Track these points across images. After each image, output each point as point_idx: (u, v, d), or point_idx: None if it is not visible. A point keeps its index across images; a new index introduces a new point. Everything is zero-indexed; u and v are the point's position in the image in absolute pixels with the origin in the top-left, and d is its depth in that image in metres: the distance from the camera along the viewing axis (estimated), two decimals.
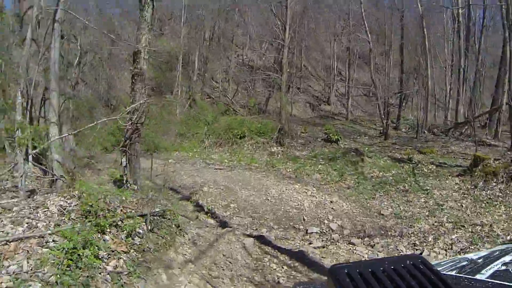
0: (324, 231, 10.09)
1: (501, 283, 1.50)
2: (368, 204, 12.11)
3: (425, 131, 22.91)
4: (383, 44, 31.13)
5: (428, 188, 13.02)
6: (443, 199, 12.06)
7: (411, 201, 12.12)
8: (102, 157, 17.76)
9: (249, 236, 8.99)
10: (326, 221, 10.58)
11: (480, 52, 26.48)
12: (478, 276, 1.64)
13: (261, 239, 8.91)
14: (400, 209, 11.51)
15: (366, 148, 18.90)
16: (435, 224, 10.33)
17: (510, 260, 1.82)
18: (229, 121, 21.31)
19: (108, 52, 27.73)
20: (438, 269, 1.11)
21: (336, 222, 10.47)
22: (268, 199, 12.10)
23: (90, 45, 25.36)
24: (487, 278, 1.59)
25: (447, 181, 13.43)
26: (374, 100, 28.34)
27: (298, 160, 17.57)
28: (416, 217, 10.72)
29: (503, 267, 1.74)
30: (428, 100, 24.36)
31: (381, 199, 12.54)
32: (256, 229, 10.05)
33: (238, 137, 19.99)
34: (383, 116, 23.01)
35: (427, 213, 11.04)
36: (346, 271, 1.03)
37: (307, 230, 10.08)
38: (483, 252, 2.32)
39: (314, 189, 13.28)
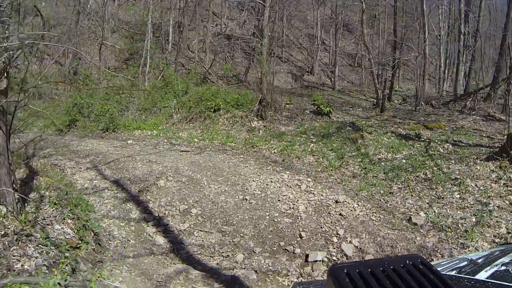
0: (334, 257, 6.12)
1: (501, 283, 1.44)
2: (388, 204, 8.14)
3: (423, 103, 19.07)
4: (371, 9, 27.24)
5: (457, 177, 9.16)
6: (483, 194, 8.25)
7: (442, 198, 8.26)
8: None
9: (215, 280, 4.94)
10: (335, 239, 6.55)
11: (481, 17, 22.43)
12: (478, 276, 1.57)
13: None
14: (434, 212, 7.61)
15: (363, 122, 14.95)
16: (495, 238, 6.48)
17: (510, 260, 1.76)
18: (201, 91, 17.01)
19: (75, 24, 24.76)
20: (438, 269, 1.06)
21: (350, 240, 6.46)
22: (246, 199, 8.07)
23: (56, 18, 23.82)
24: (487, 278, 1.53)
25: (477, 167, 9.63)
26: (366, 68, 25.19)
27: (284, 137, 13.61)
28: (464, 227, 6.84)
29: (503, 267, 1.67)
30: (425, 68, 20.44)
31: (402, 194, 8.59)
32: (228, 255, 6.08)
33: (212, 110, 15.81)
34: (378, 86, 18.99)
35: (474, 219, 7.19)
36: (345, 271, 0.97)
37: (307, 256, 6.15)
38: (483, 252, 2.21)
39: (309, 180, 9.26)
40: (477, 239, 6.40)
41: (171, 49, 25.72)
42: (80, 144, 13.56)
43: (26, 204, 5.40)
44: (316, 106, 16.70)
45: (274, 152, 12.13)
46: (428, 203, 7.99)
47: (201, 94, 16.67)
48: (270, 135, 14.04)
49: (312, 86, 26.03)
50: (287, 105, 18.04)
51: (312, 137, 13.47)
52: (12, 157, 5.35)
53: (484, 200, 7.92)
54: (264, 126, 15.26)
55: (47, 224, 5.21)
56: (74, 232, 5.35)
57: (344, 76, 29.45)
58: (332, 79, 26.97)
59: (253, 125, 15.19)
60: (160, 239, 6.43)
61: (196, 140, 13.68)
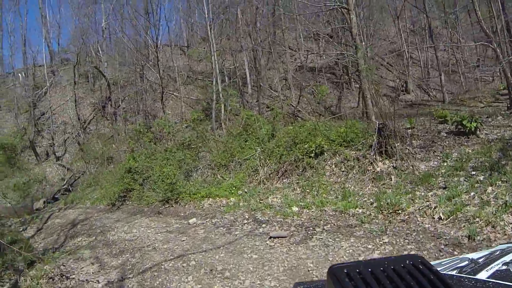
0: None
1: (501, 283, 1.36)
2: None
3: None
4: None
5: None
6: None
7: None
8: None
9: None
10: None
11: None
12: (478, 276, 1.49)
13: None
14: None
15: None
16: None
17: (511, 260, 1.66)
18: (293, 131, 11.65)
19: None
20: (438, 269, 1.05)
21: None
22: None
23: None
24: (487, 278, 1.46)
25: None
26: (464, 74, 22.57)
27: (432, 180, 7.82)
28: None
29: (504, 267, 1.59)
30: None
31: None
32: None
33: (312, 155, 10.30)
34: None
35: None
36: (345, 271, 0.93)
37: None
38: (483, 252, 2.01)
39: None
40: None
41: (251, 91, 22.64)
42: (124, 228, 9.44)
43: None
44: (455, 124, 10.52)
45: (440, 219, 6.27)
46: None
47: (293, 135, 11.32)
48: (409, 181, 8.20)
49: (416, 105, 19.92)
50: (408, 130, 11.96)
51: (474, 173, 7.53)
52: None
53: None
54: (394, 167, 9.40)
55: None
56: None
57: (442, 87, 22.75)
58: (430, 93, 23.24)
59: (377, 169, 9.42)
60: None
61: (296, 209, 8.14)
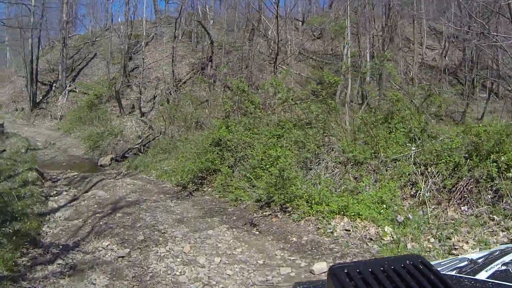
0: None
1: (501, 283, 1.37)
2: None
3: None
4: None
5: None
6: None
7: None
8: None
9: None
10: None
11: None
12: (478, 276, 1.49)
13: None
14: None
15: None
16: None
17: (510, 260, 1.67)
18: (476, 132, 6.68)
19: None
20: (438, 269, 1.01)
21: None
22: None
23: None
24: (487, 278, 1.46)
25: None
26: None
27: None
28: None
29: (503, 267, 1.59)
30: None
31: None
32: None
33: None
34: None
35: None
36: (346, 271, 0.90)
37: None
38: (483, 252, 2.02)
39: None
40: None
41: (369, 80, 19.50)
42: (184, 244, 5.58)
43: None
44: None
45: None
46: None
47: (476, 139, 6.49)
48: None
49: None
50: None
51: None
52: None
53: None
54: None
55: None
56: None
57: None
58: None
59: None
60: None
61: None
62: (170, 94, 19.73)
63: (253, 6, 21.96)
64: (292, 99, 10.17)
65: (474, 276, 1.48)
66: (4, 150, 15.18)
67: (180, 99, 18.71)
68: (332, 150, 7.76)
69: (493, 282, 1.36)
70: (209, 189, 8.73)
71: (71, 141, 18.61)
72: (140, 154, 14.43)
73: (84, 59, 28.33)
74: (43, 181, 10.55)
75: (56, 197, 8.86)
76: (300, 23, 29.37)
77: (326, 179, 6.91)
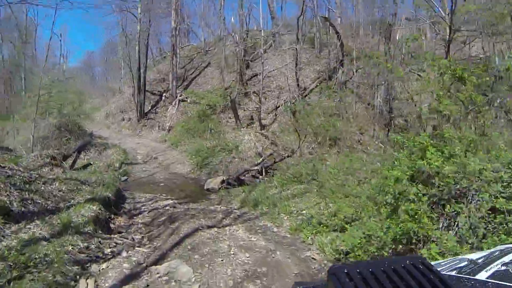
0: None
1: (500, 284, 1.30)
2: None
3: None
4: None
5: None
6: None
7: None
8: None
9: None
10: None
11: None
12: (478, 276, 1.41)
13: None
14: None
15: None
16: None
17: (510, 260, 1.57)
18: None
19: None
20: (438, 269, 0.98)
21: None
22: None
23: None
24: (487, 278, 1.38)
25: None
26: None
27: None
28: None
29: (503, 267, 1.49)
30: None
31: None
32: None
33: None
34: None
35: None
36: (345, 271, 0.90)
37: None
38: (483, 252, 1.88)
39: None
40: None
41: None
42: None
43: None
44: None
45: None
46: None
47: None
48: None
49: None
50: None
51: None
52: None
53: None
54: None
55: None
56: None
57: None
58: None
59: None
60: None
61: None
62: (295, 104, 15.80)
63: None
64: None
65: (474, 276, 1.41)
66: (90, 164, 12.59)
67: (307, 110, 14.75)
68: None
69: (493, 282, 1.30)
70: None
71: (176, 155, 15.74)
72: (260, 178, 10.90)
73: (197, 69, 26.21)
74: (111, 218, 7.19)
75: (104, 265, 5.02)
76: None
77: None
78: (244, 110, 18.10)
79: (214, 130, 16.17)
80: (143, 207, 8.43)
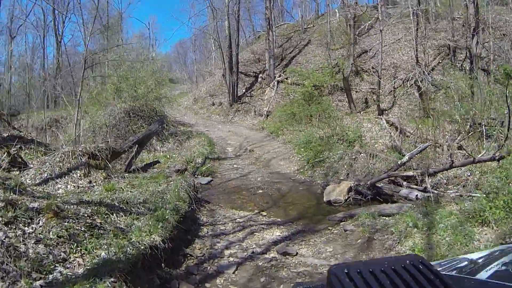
0: None
1: (500, 284, 1.31)
2: None
3: None
4: None
5: None
6: None
7: None
8: None
9: None
10: None
11: None
12: (478, 276, 1.41)
13: None
14: None
15: None
16: None
17: (510, 260, 1.57)
18: None
19: None
20: (438, 269, 0.99)
21: None
22: None
23: None
24: (487, 278, 1.38)
25: None
26: None
27: None
28: None
29: (503, 267, 1.49)
30: None
31: None
32: None
33: None
34: None
35: None
36: (345, 271, 0.89)
37: None
38: (483, 252, 1.89)
39: None
40: None
41: None
42: None
43: None
44: None
45: None
46: None
47: None
48: None
49: None
50: None
51: None
52: None
53: None
54: None
55: None
56: None
57: None
58: None
59: None
60: None
61: None
62: (420, 83, 13.12)
63: None
64: None
65: (474, 276, 1.41)
66: (157, 162, 10.08)
67: (434, 91, 12.07)
68: None
69: (493, 282, 1.31)
70: None
71: (278, 147, 13.15)
72: (419, 195, 7.26)
73: (296, 47, 24.08)
74: (184, 255, 5.07)
75: None
76: None
77: None
78: (357, 91, 15.67)
79: (324, 116, 13.75)
80: (228, 250, 5.42)
